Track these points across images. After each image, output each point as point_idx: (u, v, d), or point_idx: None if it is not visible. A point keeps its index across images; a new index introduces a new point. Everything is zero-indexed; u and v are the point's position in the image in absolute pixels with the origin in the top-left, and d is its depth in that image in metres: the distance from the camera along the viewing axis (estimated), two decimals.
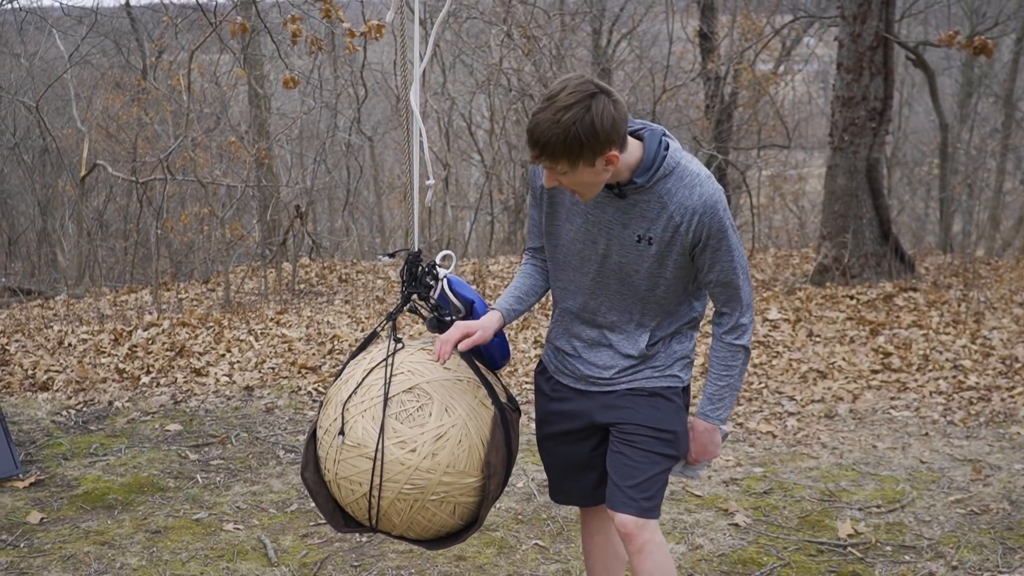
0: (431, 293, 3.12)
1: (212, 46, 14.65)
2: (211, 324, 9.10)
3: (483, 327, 2.96)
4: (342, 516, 3.10)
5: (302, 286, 11.87)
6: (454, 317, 3.13)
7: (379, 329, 3.18)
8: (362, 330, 8.84)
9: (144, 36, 17.38)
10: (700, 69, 15.74)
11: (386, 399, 2.91)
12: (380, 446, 2.87)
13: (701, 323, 3.10)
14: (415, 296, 3.15)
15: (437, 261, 3.15)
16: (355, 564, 4.38)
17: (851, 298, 9.77)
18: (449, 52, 15.48)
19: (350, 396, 2.96)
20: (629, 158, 2.76)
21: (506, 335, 3.21)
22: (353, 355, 3.16)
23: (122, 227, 15.43)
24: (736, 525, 4.76)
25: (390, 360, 2.99)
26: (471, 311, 3.16)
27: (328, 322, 9.22)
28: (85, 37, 15.69)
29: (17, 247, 16.22)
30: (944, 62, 18.92)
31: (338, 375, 3.12)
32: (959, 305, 9.21)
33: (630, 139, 2.76)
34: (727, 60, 15.37)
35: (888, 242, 10.81)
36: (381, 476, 2.88)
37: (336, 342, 8.35)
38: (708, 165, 14.43)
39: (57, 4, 16.50)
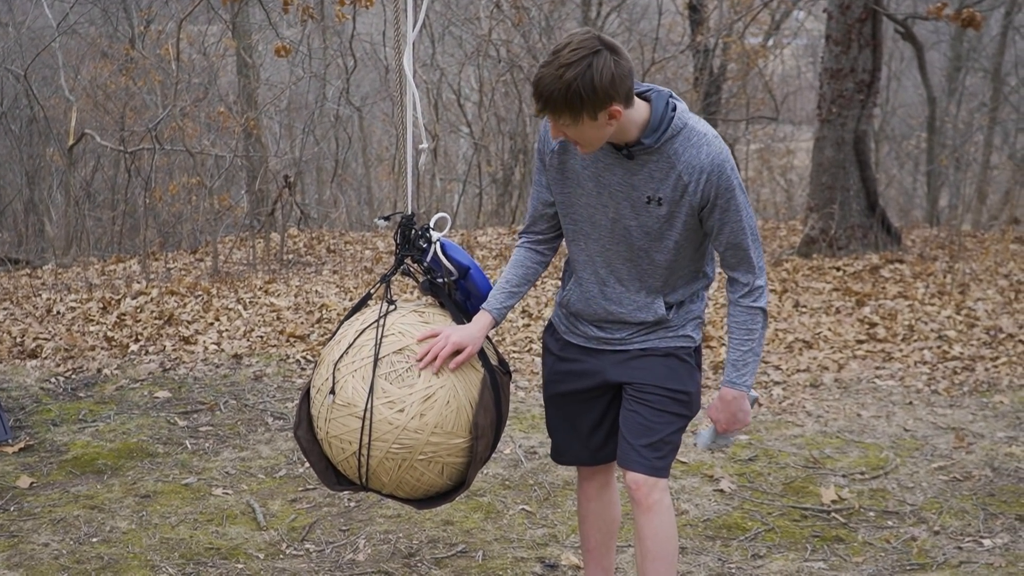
0: (424, 256, 3.15)
1: (201, 16, 14.58)
2: (200, 293, 9.10)
3: (473, 341, 2.99)
4: (334, 474, 3.14)
5: (290, 256, 11.86)
6: (446, 280, 3.16)
7: (373, 291, 3.21)
8: (350, 299, 8.85)
9: (132, 5, 17.27)
10: (689, 42, 15.71)
11: (376, 360, 2.94)
12: (369, 406, 2.91)
13: (713, 285, 3.12)
14: (408, 259, 3.18)
15: (431, 224, 3.17)
16: (343, 528, 4.42)
17: (837, 269, 9.82)
18: (438, 23, 15.42)
19: (341, 356, 3.00)
20: (637, 118, 2.77)
21: (489, 280, 3.23)
22: (348, 315, 3.19)
23: (110, 197, 15.34)
24: (721, 491, 4.81)
25: (382, 321, 3.02)
26: (466, 276, 3.18)
27: (316, 291, 9.24)
28: (73, 6, 15.59)
29: (4, 217, 16.15)
30: (933, 36, 18.91)
31: (332, 335, 3.15)
32: (944, 277, 9.26)
33: (638, 100, 2.78)
34: (716, 33, 15.33)
35: (875, 214, 10.85)
36: (370, 435, 2.92)
37: (324, 311, 8.37)
38: None
39: None
